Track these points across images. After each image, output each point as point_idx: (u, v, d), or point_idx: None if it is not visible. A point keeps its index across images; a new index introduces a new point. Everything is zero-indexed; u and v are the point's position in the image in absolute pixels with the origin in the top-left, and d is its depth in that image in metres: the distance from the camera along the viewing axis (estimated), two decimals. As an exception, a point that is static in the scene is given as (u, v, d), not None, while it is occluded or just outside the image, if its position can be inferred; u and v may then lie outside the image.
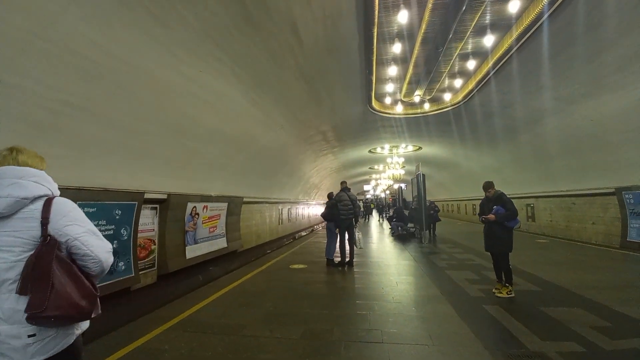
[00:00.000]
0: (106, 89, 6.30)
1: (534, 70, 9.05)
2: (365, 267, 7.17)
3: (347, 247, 7.32)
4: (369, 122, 14.93)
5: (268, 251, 14.68)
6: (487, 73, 9.95)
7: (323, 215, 7.78)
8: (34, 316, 1.28)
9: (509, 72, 9.53)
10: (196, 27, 6.20)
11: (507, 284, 4.77)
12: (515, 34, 8.18)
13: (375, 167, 30.95)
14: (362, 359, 2.95)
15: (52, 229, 1.38)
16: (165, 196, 10.09)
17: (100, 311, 1.47)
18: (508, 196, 4.88)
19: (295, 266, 7.36)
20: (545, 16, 7.04)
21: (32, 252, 1.34)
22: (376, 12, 7.32)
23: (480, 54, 9.92)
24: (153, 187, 9.26)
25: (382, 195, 41.63)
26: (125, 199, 7.97)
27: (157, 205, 10.23)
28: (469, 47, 9.58)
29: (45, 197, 1.44)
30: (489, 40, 8.66)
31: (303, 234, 23.42)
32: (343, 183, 7.58)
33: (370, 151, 22.49)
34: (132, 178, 8.29)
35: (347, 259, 7.17)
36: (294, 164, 19.26)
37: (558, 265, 7.02)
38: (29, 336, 1.30)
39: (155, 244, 10.10)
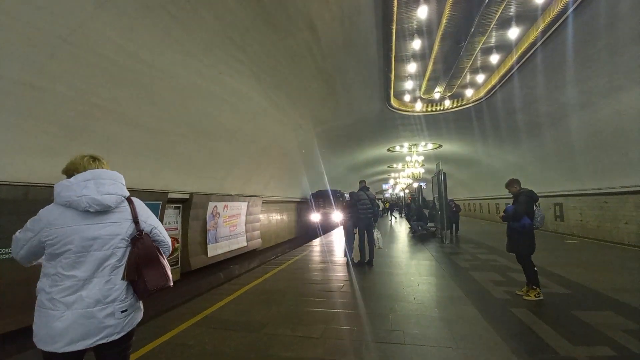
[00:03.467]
0: (131, 91, 6.53)
1: (561, 64, 8.65)
2: (385, 266, 7.09)
3: (367, 246, 7.25)
4: (387, 121, 14.75)
5: (287, 250, 14.79)
6: (511, 68, 9.60)
7: (342, 214, 7.75)
8: (155, 291, 1.64)
9: (534, 66, 9.17)
10: (216, 29, 6.31)
11: (534, 287, 4.59)
12: (541, 25, 7.84)
13: (394, 165, 30.53)
14: (384, 360, 2.92)
15: (140, 222, 1.69)
16: (187, 196, 10.37)
17: None
18: (537, 195, 4.69)
19: (315, 265, 7.37)
20: (572, 8, 6.72)
21: (127, 245, 1.64)
22: (395, 8, 7.21)
23: (504, 48, 9.59)
24: (176, 186, 9.53)
25: (402, 194, 41.07)
26: (150, 199, 8.23)
27: (180, 205, 10.52)
28: (492, 40, 9.27)
29: (126, 197, 1.72)
30: (513, 33, 8.35)
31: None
32: (362, 182, 7.48)
33: (389, 150, 22.22)
34: (156, 177, 8.56)
35: (367, 259, 7.11)
36: (312, 164, 19.30)
37: (589, 267, 6.70)
38: (122, 312, 1.57)
39: (178, 243, 10.41)
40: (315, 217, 22.87)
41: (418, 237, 12.73)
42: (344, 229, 7.70)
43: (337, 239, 12.82)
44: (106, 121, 6.50)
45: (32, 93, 5.09)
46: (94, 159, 1.70)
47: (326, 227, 20.54)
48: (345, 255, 7.41)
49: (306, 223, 24.30)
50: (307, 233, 23.27)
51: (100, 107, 6.19)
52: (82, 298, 1.48)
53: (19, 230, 1.60)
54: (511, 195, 4.91)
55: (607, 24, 6.89)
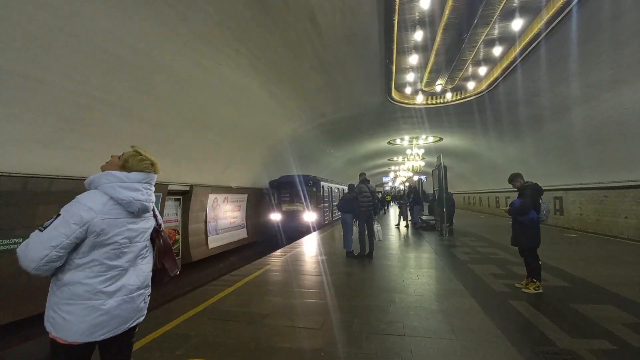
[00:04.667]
0: (130, 83, 6.46)
1: (564, 56, 8.55)
2: (384, 259, 7.12)
3: (367, 239, 7.26)
4: (388, 113, 14.65)
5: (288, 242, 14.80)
6: (514, 60, 9.49)
7: (339, 206, 7.75)
8: (172, 278, 1.90)
9: (537, 58, 9.05)
10: (215, 19, 6.21)
11: (534, 280, 4.61)
12: (545, 17, 7.72)
13: (395, 158, 30.49)
14: (384, 351, 2.94)
15: (157, 217, 1.87)
16: (187, 188, 10.36)
17: None
18: (542, 188, 4.67)
19: (315, 257, 7.40)
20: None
21: (152, 237, 1.80)
22: (397, -2, 7.09)
23: (507, 40, 9.46)
24: (176, 178, 9.52)
25: (402, 187, 41.04)
26: (150, 191, 8.21)
27: (180, 197, 10.52)
28: (495, 32, 9.14)
29: None
30: (517, 24, 8.23)
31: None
32: (362, 175, 7.48)
33: (389, 142, 22.14)
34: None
35: (367, 251, 7.14)
36: (312, 156, 19.26)
37: (588, 260, 6.72)
38: (148, 296, 1.76)
39: (179, 234, 10.43)
40: (275, 216, 15.33)
41: (417, 230, 12.77)
42: (341, 221, 7.71)
43: (338, 230, 12.81)
44: (103, 113, 6.45)
45: (29, 84, 5.04)
46: (153, 164, 1.78)
47: (293, 232, 14.10)
48: (345, 247, 7.42)
49: (263, 225, 16.48)
50: (262, 241, 15.85)
51: (98, 99, 6.14)
52: (125, 285, 1.58)
53: (38, 230, 1.44)
54: (511, 189, 4.89)
55: (611, 16, 6.79)
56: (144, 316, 1.74)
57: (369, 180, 7.41)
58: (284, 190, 15.55)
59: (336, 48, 8.65)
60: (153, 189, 1.77)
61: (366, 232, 7.15)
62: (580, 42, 7.85)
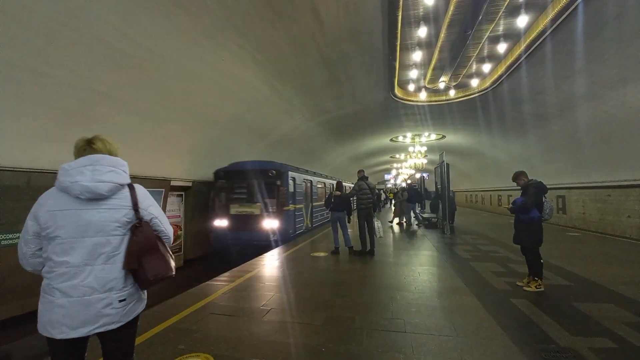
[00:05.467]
0: (133, 78, 6.46)
1: (569, 54, 8.48)
2: (386, 256, 7.12)
3: (367, 236, 7.26)
4: (391, 110, 14.61)
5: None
6: (519, 57, 9.43)
7: (331, 205, 7.45)
8: (156, 280, 1.60)
9: (542, 55, 8.99)
10: (218, 14, 6.19)
11: (535, 278, 4.61)
12: (551, 13, 7.66)
13: (397, 156, 30.42)
14: (385, 347, 2.95)
15: (140, 210, 1.64)
16: (190, 183, 10.37)
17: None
18: (546, 187, 4.64)
19: (316, 254, 7.42)
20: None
21: (125, 233, 1.59)
22: (401, -6, 7.04)
23: (512, 37, 9.40)
24: (178, 174, 9.53)
25: (404, 184, 40.96)
26: (153, 186, 8.24)
27: (183, 193, 10.54)
28: (500, 29, 9.09)
29: (127, 184, 1.67)
30: (522, 21, 8.17)
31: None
32: (360, 172, 7.44)
33: (391, 140, 22.10)
34: (159, 165, 8.55)
35: (368, 248, 7.15)
36: (314, 152, 19.25)
37: (590, 259, 6.71)
38: (120, 301, 1.54)
39: (181, 230, 10.45)
40: (220, 222, 9.84)
41: (418, 228, 12.77)
42: (331, 221, 7.68)
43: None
44: (107, 108, 6.46)
45: (32, 78, 5.05)
46: (89, 142, 1.63)
47: (244, 247, 9.35)
48: (346, 244, 7.42)
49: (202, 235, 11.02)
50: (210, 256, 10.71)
51: (101, 94, 6.15)
52: (77, 286, 1.45)
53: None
54: (514, 187, 4.87)
55: (616, 14, 6.72)
56: (118, 323, 1.54)
57: (367, 177, 7.40)
58: (233, 184, 9.98)
59: (339, 44, 8.61)
60: (106, 169, 1.56)
61: (366, 229, 7.15)
62: (585, 40, 7.78)
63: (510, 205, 4.75)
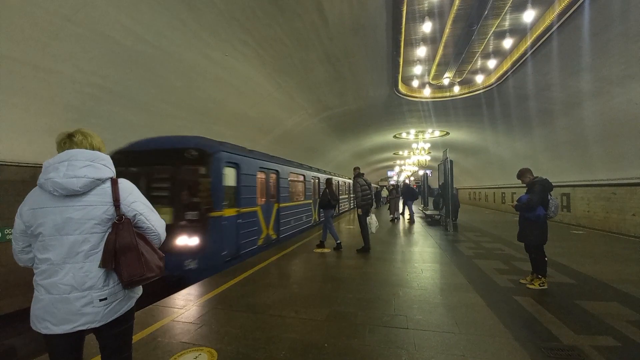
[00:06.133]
0: (137, 74, 6.46)
1: (576, 50, 8.36)
2: (388, 253, 7.12)
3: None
4: (394, 106, 14.54)
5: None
6: (525, 52, 9.32)
7: (326, 203, 7.61)
8: (132, 281, 1.52)
9: (548, 51, 8.87)
10: (222, 9, 6.16)
11: (539, 276, 4.59)
12: (558, 8, 7.55)
13: (400, 152, 30.32)
14: (387, 343, 2.96)
15: (122, 206, 1.57)
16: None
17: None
18: (552, 184, 4.59)
19: (319, 250, 7.43)
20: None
21: (105, 230, 1.53)
22: (406, -12, 6.97)
23: (518, 32, 9.29)
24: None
25: (407, 181, 40.76)
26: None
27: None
28: (506, 24, 8.98)
29: (110, 178, 1.60)
30: (529, 15, 8.06)
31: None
32: (356, 169, 7.50)
33: (395, 136, 22.00)
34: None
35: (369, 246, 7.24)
36: (317, 149, 19.21)
37: (594, 258, 6.66)
38: (100, 300, 1.49)
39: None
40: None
41: (421, 225, 12.74)
42: (330, 217, 7.71)
43: (342, 224, 12.74)
44: (111, 103, 6.48)
45: (36, 74, 5.06)
46: (70, 136, 1.59)
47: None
48: (336, 240, 7.52)
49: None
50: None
51: (105, 89, 6.15)
52: (56, 284, 1.45)
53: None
54: (518, 185, 4.83)
55: (622, 10, 6.62)
56: (100, 322, 1.50)
57: (363, 174, 7.45)
58: (129, 173, 5.65)
59: (343, 39, 8.55)
60: (82, 163, 1.51)
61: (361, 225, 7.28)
62: (592, 36, 7.67)
63: (515, 203, 4.71)
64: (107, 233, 1.54)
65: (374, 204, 21.98)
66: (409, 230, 11.19)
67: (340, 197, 15.82)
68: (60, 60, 5.21)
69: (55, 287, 1.45)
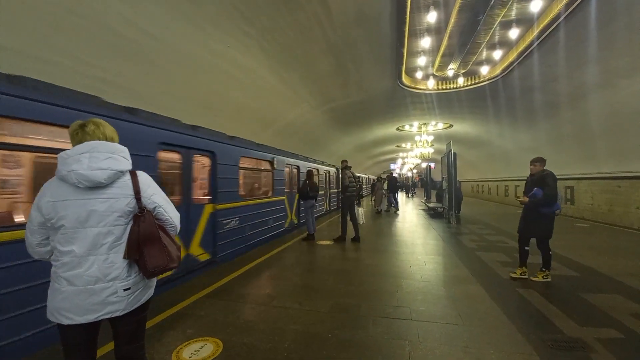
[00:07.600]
0: (138, 66, 6.42)
1: (583, 41, 8.21)
2: (391, 245, 7.14)
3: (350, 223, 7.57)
4: (397, 98, 14.41)
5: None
6: (531, 43, 9.17)
7: (307, 194, 7.67)
8: (155, 272, 1.58)
9: (555, 42, 8.73)
10: (224, 0, 6.08)
11: (543, 269, 4.58)
12: (566, -2, 7.40)
13: (403, 145, 30.17)
14: (391, 335, 2.97)
15: (142, 198, 1.61)
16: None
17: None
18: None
19: (321, 242, 7.46)
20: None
21: (127, 222, 1.57)
22: (411, -23, 6.84)
23: (525, 22, 9.13)
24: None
25: (409, 174, 40.63)
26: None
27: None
28: (513, 13, 8.82)
29: (129, 171, 1.63)
30: (536, 5, 7.90)
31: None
32: (344, 162, 7.68)
33: (398, 129, 21.87)
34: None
35: (354, 235, 7.47)
36: (320, 141, 19.15)
37: (598, 251, 6.65)
38: (124, 290, 1.55)
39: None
40: None
41: (424, 217, 12.73)
42: (310, 207, 7.75)
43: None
44: (113, 96, 6.44)
45: (36, 65, 5.03)
46: (82, 126, 1.57)
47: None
48: (310, 231, 7.72)
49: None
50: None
51: (107, 82, 6.13)
52: (81, 275, 1.46)
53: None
54: (522, 178, 4.77)
55: (627, 3, 6.50)
56: (124, 311, 1.56)
57: (350, 167, 7.62)
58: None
59: (346, 30, 8.44)
60: (104, 156, 1.52)
61: (348, 217, 7.50)
62: (599, 27, 7.53)
63: (526, 197, 4.50)
64: (130, 225, 1.58)
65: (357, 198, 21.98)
66: (411, 223, 11.19)
67: (334, 190, 16.60)
68: (61, 52, 5.18)
69: (80, 278, 1.47)
